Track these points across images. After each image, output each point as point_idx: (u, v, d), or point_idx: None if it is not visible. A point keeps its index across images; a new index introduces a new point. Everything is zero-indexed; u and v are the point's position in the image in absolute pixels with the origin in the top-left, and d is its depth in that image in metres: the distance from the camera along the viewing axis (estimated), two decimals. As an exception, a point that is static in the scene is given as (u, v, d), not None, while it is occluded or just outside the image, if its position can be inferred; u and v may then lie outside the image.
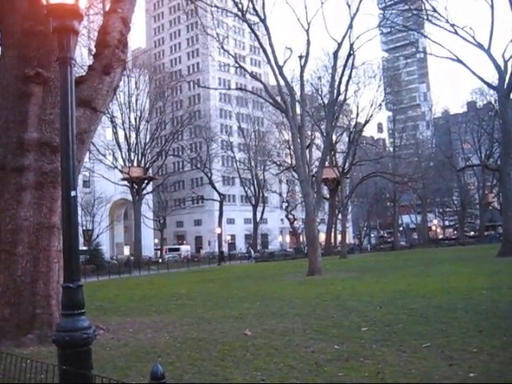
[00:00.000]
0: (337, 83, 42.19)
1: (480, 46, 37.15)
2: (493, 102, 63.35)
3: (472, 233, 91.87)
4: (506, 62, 36.99)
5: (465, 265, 28.32)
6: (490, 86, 43.22)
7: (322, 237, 62.56)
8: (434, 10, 38.48)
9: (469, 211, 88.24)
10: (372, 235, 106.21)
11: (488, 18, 36.44)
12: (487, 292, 14.77)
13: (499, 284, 16.78)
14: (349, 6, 36.01)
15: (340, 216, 64.47)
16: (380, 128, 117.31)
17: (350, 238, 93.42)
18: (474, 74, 39.09)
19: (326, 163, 53.57)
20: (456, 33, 37.37)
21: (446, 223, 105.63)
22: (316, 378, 6.59)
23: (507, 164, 39.34)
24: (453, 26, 37.44)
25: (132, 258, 56.90)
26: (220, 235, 76.16)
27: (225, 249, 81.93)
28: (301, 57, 33.78)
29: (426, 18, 40.39)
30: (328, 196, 66.88)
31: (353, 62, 46.00)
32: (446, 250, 61.32)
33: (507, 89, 37.30)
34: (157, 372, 3.08)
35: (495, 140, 66.83)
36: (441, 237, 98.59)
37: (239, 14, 33.16)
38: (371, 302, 14.05)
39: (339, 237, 67.72)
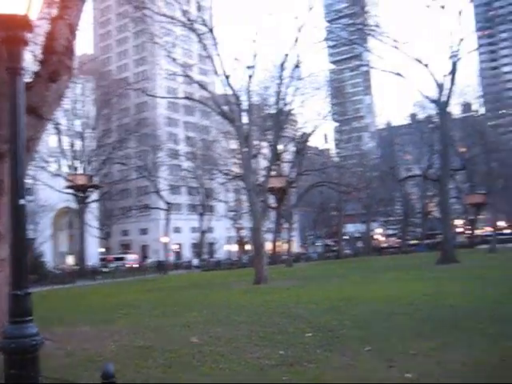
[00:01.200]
0: (283, 94, 42.90)
1: (419, 61, 38.54)
2: (433, 115, 65.41)
3: (415, 241, 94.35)
4: (444, 77, 38.52)
5: (406, 272, 29.17)
6: (430, 99, 44.74)
7: (269, 246, 62.97)
8: (377, 26, 39.67)
9: (411, 220, 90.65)
10: (318, 244, 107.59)
11: (430, 35, 37.93)
12: (426, 298, 15.35)
13: (438, 290, 17.45)
14: (295, 19, 36.74)
15: (286, 225, 65.10)
16: (326, 138, 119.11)
17: (296, 247, 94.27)
18: (414, 88, 40.47)
19: (273, 172, 54.13)
20: (397, 48, 38.63)
21: (390, 232, 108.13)
22: (261, 382, 6.77)
23: (446, 175, 40.91)
24: (394, 41, 38.71)
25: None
26: (166, 244, 75.57)
27: (171, 258, 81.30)
28: (249, 67, 34.18)
29: (369, 33, 41.55)
30: (274, 205, 67.46)
31: (299, 74, 46.91)
32: (389, 258, 62.83)
33: (446, 103, 38.83)
34: (108, 371, 3.19)
35: (435, 152, 69.00)
36: (384, 245, 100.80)
37: (187, 23, 33.25)
38: (316, 309, 14.35)
39: (286, 246, 68.36)
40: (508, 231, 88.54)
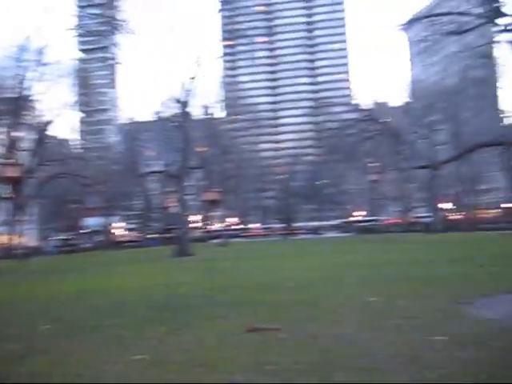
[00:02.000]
0: (24, 78, 40.71)
1: (165, 61, 40.32)
2: (176, 114, 67.95)
3: (154, 235, 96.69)
4: (189, 80, 40.99)
5: (145, 264, 30.38)
6: (174, 99, 46.76)
7: (3, 239, 58.78)
8: (124, 21, 39.99)
9: (151, 215, 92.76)
10: (57, 238, 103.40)
11: (180, 38, 39.70)
12: (160, 288, 16.46)
13: (171, 281, 18.75)
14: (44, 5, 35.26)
15: (23, 217, 61.42)
16: (71, 129, 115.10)
17: (34, 241, 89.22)
18: (160, 86, 42.05)
19: (9, 161, 50.79)
20: (143, 45, 39.67)
21: (131, 226, 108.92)
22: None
23: (184, 172, 43.51)
24: (142, 38, 39.74)
25: None
26: None
27: None
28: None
29: (115, 27, 41.67)
30: (10, 196, 63.10)
31: (44, 59, 45.00)
32: (127, 251, 63.75)
33: (188, 103, 41.31)
34: None
35: (176, 149, 71.79)
36: (124, 239, 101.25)
37: None
38: (51, 302, 14.31)
39: (22, 239, 64.53)
40: (238, 226, 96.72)
